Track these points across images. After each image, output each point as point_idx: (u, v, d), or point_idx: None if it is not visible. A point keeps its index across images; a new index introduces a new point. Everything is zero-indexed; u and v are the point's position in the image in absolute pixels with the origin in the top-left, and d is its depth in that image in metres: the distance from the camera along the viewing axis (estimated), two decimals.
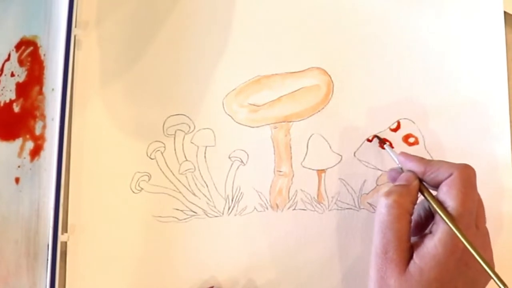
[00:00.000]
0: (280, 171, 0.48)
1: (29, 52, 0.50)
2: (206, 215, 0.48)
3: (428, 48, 0.49)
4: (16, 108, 0.49)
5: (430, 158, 0.47)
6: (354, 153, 0.48)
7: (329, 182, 0.48)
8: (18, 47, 0.50)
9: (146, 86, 0.50)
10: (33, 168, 0.48)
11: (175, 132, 0.49)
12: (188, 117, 0.50)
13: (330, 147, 0.48)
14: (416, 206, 0.40)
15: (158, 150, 0.49)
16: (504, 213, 0.47)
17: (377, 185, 0.48)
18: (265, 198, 0.48)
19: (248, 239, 0.48)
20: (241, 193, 0.48)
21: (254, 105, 0.49)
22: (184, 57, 0.50)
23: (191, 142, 0.49)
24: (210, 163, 0.49)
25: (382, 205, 0.38)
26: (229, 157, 0.49)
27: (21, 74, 0.50)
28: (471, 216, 0.37)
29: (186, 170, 0.49)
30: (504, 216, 0.47)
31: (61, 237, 0.47)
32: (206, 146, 0.49)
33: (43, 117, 0.49)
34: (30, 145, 0.48)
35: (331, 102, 0.49)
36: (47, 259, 0.46)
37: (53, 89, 0.48)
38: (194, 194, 0.49)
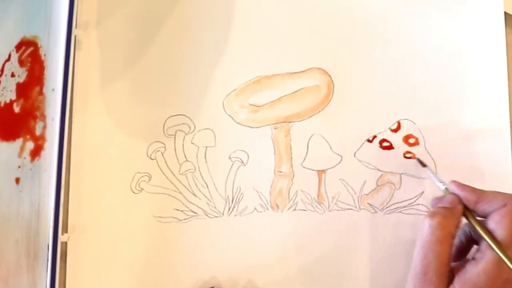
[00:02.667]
0: (281, 172, 0.48)
1: (30, 52, 0.50)
2: (207, 215, 0.49)
3: (428, 48, 0.49)
4: (16, 108, 0.49)
5: (431, 162, 0.47)
6: (355, 153, 0.48)
7: (330, 182, 0.48)
8: (18, 47, 0.50)
9: (146, 86, 0.50)
10: (33, 168, 0.48)
11: (176, 132, 0.49)
12: (188, 117, 0.50)
13: (331, 148, 0.48)
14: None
15: (159, 151, 0.49)
16: None
17: (377, 185, 0.48)
18: (265, 198, 0.48)
19: (248, 239, 0.48)
20: (241, 193, 0.48)
21: (254, 105, 0.49)
22: (184, 57, 0.50)
23: (192, 143, 0.49)
24: (211, 164, 0.49)
25: (426, 225, 0.38)
26: (230, 158, 0.49)
27: (22, 75, 0.50)
28: None
29: (186, 171, 0.49)
30: None
31: (61, 237, 0.47)
32: (207, 147, 0.49)
33: (43, 117, 0.49)
34: (30, 145, 0.48)
35: (332, 102, 0.49)
36: (47, 259, 0.46)
37: (53, 89, 0.48)
38: (194, 195, 0.49)
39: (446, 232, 0.38)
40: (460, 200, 0.40)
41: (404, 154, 0.48)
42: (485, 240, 0.37)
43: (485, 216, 0.39)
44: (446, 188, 0.42)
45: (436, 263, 0.37)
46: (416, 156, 0.47)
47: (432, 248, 0.38)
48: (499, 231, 0.37)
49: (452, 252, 0.38)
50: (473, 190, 0.40)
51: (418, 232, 0.39)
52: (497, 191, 0.40)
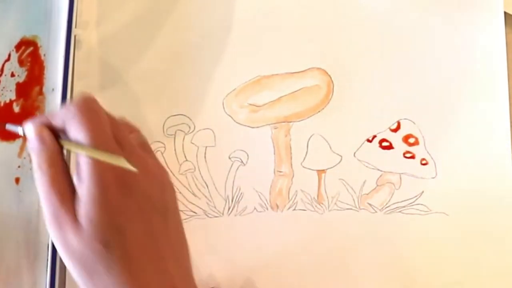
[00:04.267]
0: (280, 171, 0.48)
1: (29, 52, 0.50)
2: (206, 215, 0.48)
3: (428, 48, 0.49)
4: (16, 108, 0.49)
5: (431, 161, 0.47)
6: (354, 153, 0.48)
7: (329, 182, 0.48)
8: (18, 47, 0.50)
9: (146, 86, 0.50)
10: (33, 168, 0.48)
11: (175, 132, 0.49)
12: (188, 117, 0.50)
13: (330, 148, 0.48)
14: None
15: (158, 150, 0.49)
16: (504, 213, 0.47)
17: (377, 185, 0.48)
18: (265, 198, 0.48)
19: (248, 239, 0.48)
20: (241, 193, 0.48)
21: (254, 105, 0.49)
22: (184, 57, 0.50)
23: (191, 142, 0.49)
24: (210, 164, 0.49)
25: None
26: (229, 157, 0.49)
27: (21, 74, 0.50)
28: (103, 137, 0.33)
29: (186, 170, 0.49)
30: (504, 216, 0.47)
31: None
32: (206, 146, 0.49)
33: None
34: None
35: (331, 102, 0.49)
36: (47, 259, 0.46)
37: (53, 89, 0.48)
38: (194, 195, 0.49)
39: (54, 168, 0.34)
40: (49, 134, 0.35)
41: (404, 154, 0.48)
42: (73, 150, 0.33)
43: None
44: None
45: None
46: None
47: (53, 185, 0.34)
48: (74, 134, 0.33)
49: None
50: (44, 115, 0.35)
51: None
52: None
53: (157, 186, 0.35)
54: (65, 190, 0.34)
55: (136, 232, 0.33)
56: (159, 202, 0.35)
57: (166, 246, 0.34)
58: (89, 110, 0.34)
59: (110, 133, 0.34)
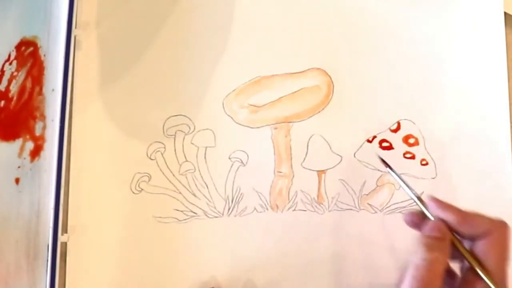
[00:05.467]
0: (280, 172, 0.48)
1: (29, 52, 0.50)
2: (206, 215, 0.48)
3: (428, 48, 0.49)
4: (16, 108, 0.49)
5: (431, 161, 0.47)
6: (354, 153, 0.48)
7: (329, 183, 0.48)
8: (18, 47, 0.50)
9: (146, 86, 0.50)
10: (33, 169, 0.48)
11: (175, 132, 0.49)
12: (188, 117, 0.50)
13: (330, 148, 0.48)
14: None
15: (158, 151, 0.49)
16: (504, 213, 0.47)
17: (377, 186, 0.48)
18: (265, 198, 0.48)
19: (248, 240, 0.48)
20: (241, 193, 0.48)
21: (254, 105, 0.49)
22: (184, 58, 0.50)
23: (191, 143, 0.49)
24: (210, 164, 0.49)
25: (422, 257, 0.36)
26: (229, 158, 0.49)
27: (21, 75, 0.50)
28: (506, 279, 0.36)
29: (186, 171, 0.49)
30: (504, 216, 0.47)
31: (61, 238, 0.47)
32: (206, 147, 0.49)
33: (43, 117, 0.49)
34: (30, 145, 0.48)
35: (331, 102, 0.49)
36: (47, 260, 0.46)
37: (53, 90, 0.48)
38: (194, 195, 0.49)
39: (443, 267, 0.36)
40: (446, 226, 0.37)
41: (404, 154, 0.48)
42: (477, 271, 0.36)
43: (466, 238, 0.37)
44: (419, 198, 0.39)
45: None
46: (378, 155, 0.47)
47: (428, 284, 0.35)
48: (489, 262, 0.36)
49: None
50: (456, 211, 0.38)
51: (410, 261, 0.36)
52: (479, 213, 0.38)
53: None
54: None
55: None
56: None
57: None
58: (509, 248, 0.37)
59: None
